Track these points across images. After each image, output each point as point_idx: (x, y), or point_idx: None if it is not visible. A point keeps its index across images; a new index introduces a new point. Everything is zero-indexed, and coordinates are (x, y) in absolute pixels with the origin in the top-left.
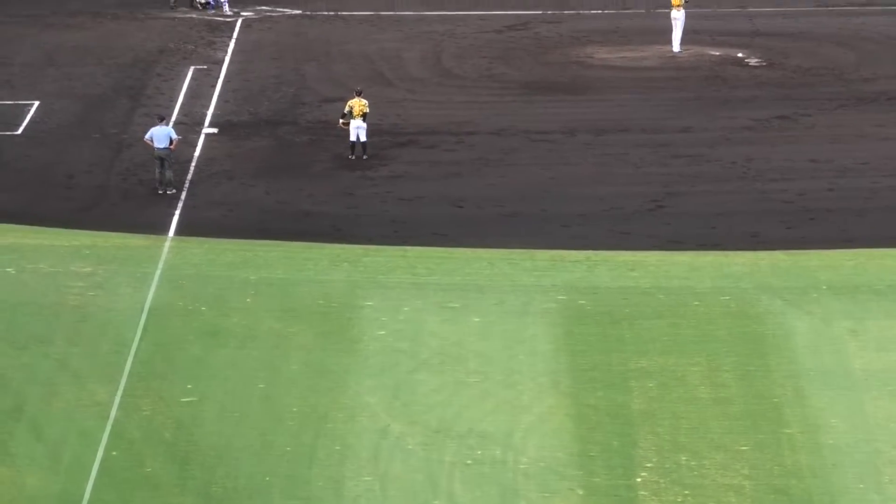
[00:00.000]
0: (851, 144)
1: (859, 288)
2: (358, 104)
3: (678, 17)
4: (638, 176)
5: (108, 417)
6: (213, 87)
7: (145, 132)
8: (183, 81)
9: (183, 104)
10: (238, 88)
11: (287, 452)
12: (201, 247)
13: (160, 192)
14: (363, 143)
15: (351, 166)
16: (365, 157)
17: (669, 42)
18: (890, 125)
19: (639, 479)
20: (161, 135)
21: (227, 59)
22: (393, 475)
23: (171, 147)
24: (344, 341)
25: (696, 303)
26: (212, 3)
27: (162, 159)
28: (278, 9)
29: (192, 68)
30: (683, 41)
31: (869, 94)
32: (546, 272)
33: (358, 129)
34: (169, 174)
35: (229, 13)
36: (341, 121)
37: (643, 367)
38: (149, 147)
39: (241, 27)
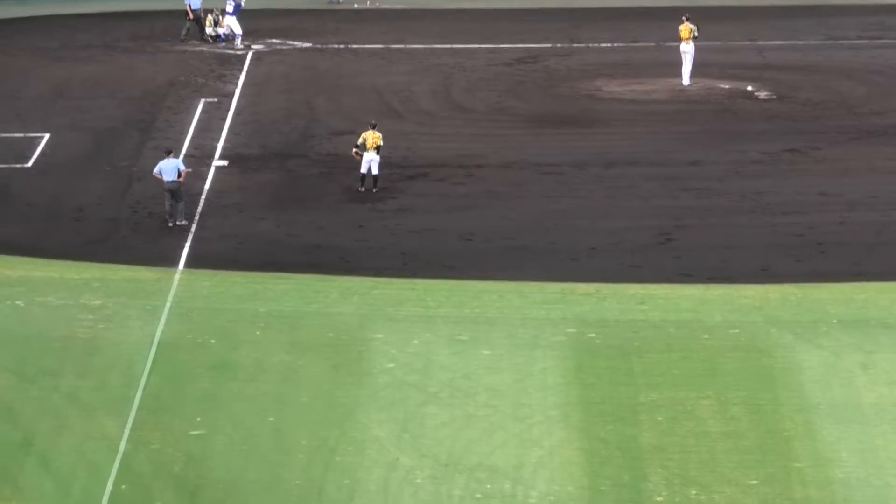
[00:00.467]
0: (862, 178)
1: (870, 321)
2: (372, 136)
3: (687, 51)
4: (647, 209)
5: (117, 450)
6: (224, 119)
7: (155, 165)
8: (193, 114)
9: (193, 137)
10: (248, 121)
11: (296, 486)
12: (211, 279)
13: (170, 224)
14: (375, 175)
15: (361, 199)
16: (375, 189)
17: (679, 75)
18: None
19: None
20: (169, 168)
21: (238, 91)
22: None
23: (180, 179)
24: (353, 374)
25: (706, 336)
26: (222, 36)
27: (172, 192)
28: (289, 42)
29: (202, 101)
30: (693, 74)
31: (879, 128)
32: (555, 305)
33: (371, 162)
34: (180, 206)
35: (240, 46)
36: (354, 150)
37: (653, 401)
38: (158, 181)
39: (251, 60)
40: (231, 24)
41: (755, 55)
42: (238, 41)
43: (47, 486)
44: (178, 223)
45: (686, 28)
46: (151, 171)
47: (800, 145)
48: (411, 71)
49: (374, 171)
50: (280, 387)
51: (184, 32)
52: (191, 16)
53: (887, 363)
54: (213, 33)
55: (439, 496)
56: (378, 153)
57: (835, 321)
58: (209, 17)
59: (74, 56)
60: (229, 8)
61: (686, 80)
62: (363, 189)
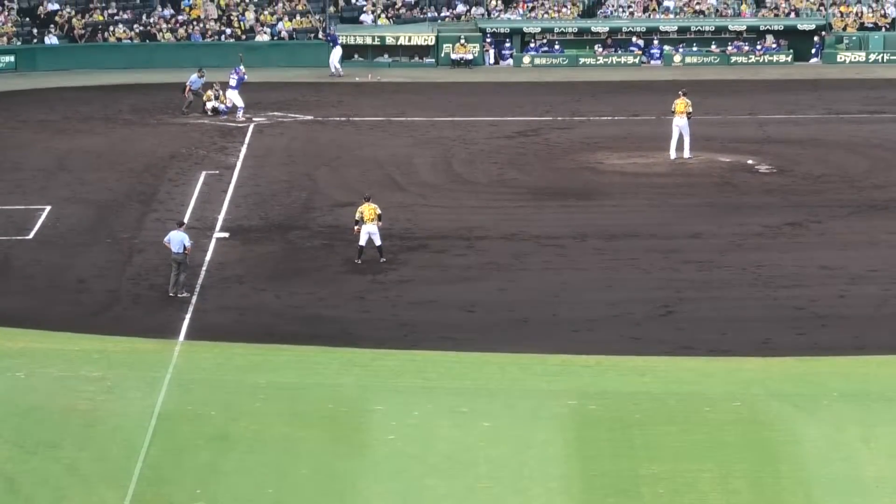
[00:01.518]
0: (863, 251)
1: (870, 395)
2: (368, 209)
3: (681, 125)
4: (648, 281)
5: None
6: (225, 192)
7: (157, 237)
8: (195, 187)
9: (194, 209)
10: (249, 193)
11: None
12: (211, 351)
13: (171, 294)
14: (378, 246)
15: (361, 270)
16: (383, 259)
17: (677, 148)
18: None
19: None
20: (176, 240)
21: (239, 164)
22: None
23: (186, 252)
24: (353, 446)
25: (707, 409)
26: (223, 109)
27: (178, 263)
28: (290, 114)
29: (203, 173)
30: (693, 147)
31: (880, 202)
32: (556, 377)
33: (370, 234)
34: (181, 278)
35: (242, 119)
36: (355, 227)
37: (654, 473)
38: (167, 249)
39: (252, 132)
40: (233, 97)
41: (756, 129)
42: (240, 114)
43: None
44: (179, 295)
45: (682, 102)
46: (152, 242)
47: (800, 219)
48: (412, 143)
49: (377, 241)
50: (280, 458)
51: (185, 105)
52: (186, 91)
53: (888, 436)
54: (214, 105)
55: None
56: (378, 221)
57: (836, 394)
58: (210, 91)
59: (76, 128)
60: (232, 82)
61: (687, 153)
62: (360, 261)
